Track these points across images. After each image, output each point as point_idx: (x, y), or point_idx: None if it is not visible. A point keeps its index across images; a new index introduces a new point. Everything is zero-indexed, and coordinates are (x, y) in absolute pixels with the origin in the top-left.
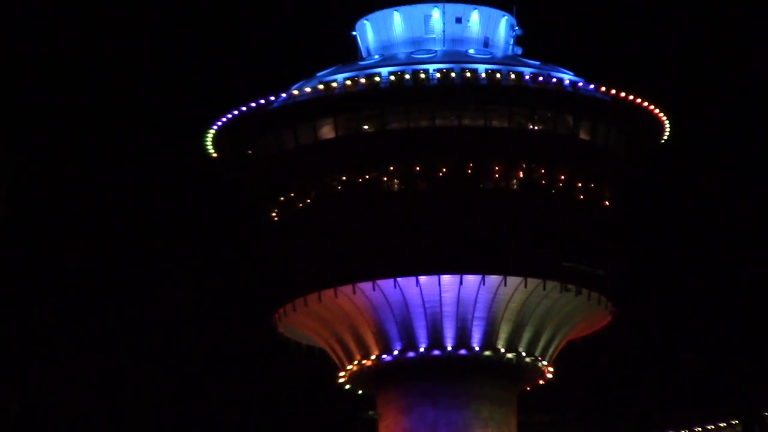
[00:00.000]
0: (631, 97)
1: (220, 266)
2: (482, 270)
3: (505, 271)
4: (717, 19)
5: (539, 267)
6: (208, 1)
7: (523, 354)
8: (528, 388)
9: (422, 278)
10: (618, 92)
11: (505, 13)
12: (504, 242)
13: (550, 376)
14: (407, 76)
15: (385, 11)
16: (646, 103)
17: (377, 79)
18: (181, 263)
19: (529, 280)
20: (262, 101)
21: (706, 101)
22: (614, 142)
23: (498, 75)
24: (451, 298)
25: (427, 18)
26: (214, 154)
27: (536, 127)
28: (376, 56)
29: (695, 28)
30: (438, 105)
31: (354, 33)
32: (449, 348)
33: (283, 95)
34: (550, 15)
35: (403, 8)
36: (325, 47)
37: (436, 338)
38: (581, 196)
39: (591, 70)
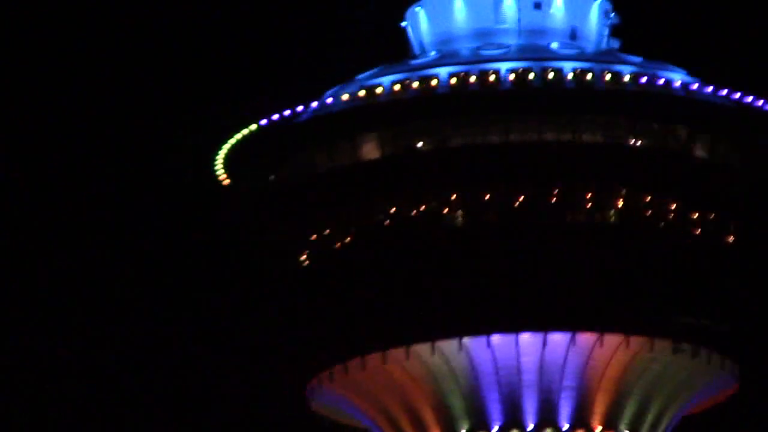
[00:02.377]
0: (762, 102)
1: (232, 324)
2: (572, 326)
3: (601, 327)
4: None
5: (645, 322)
6: None
7: None
8: None
9: (494, 338)
10: (744, 96)
11: None
12: (599, 290)
13: None
14: (473, 79)
15: None
16: None
17: (434, 82)
18: (182, 315)
19: (632, 338)
20: (288, 112)
21: None
22: (740, 161)
23: (589, 76)
24: (533, 363)
25: (498, 3)
26: (226, 180)
27: (639, 143)
28: (433, 53)
29: None
30: (513, 115)
31: (404, 24)
32: (530, 427)
33: (315, 105)
34: None
35: None
36: (367, 43)
37: (513, 415)
38: (698, 231)
39: (707, 68)
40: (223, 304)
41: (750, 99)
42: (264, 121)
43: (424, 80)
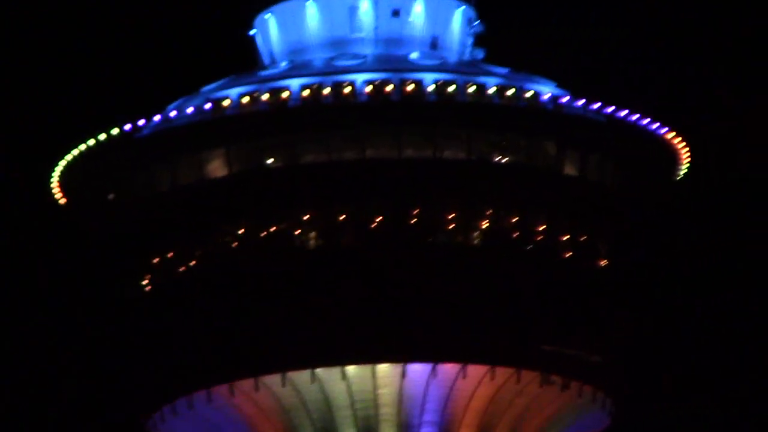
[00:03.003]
0: (636, 118)
1: (69, 351)
2: (433, 356)
3: (463, 357)
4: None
5: (510, 351)
6: None
7: None
8: None
9: (350, 368)
10: (616, 110)
11: (461, 3)
12: (462, 318)
13: None
14: (326, 91)
15: (295, 1)
16: (656, 125)
17: (285, 95)
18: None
19: (497, 369)
20: (128, 126)
21: (730, 121)
22: (612, 178)
23: (451, 88)
24: (391, 396)
25: (353, 10)
26: (62, 199)
27: (505, 160)
28: (284, 63)
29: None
30: (369, 130)
31: (253, 32)
32: None
33: (157, 118)
34: (522, 6)
35: None
36: (214, 52)
37: None
38: (568, 253)
39: (578, 80)
40: (61, 330)
41: (623, 113)
42: (102, 136)
43: (275, 92)
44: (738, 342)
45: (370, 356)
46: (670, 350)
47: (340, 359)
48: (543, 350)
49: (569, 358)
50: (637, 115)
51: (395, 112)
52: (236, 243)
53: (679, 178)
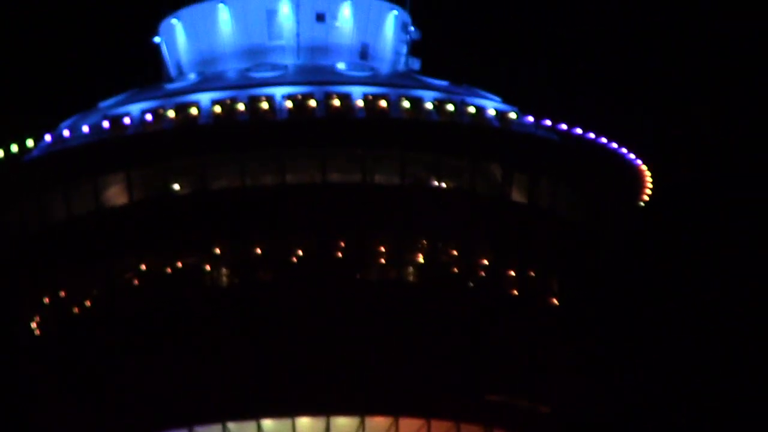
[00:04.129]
0: (593, 136)
1: None
2: (360, 408)
3: (395, 409)
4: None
5: (448, 402)
6: None
7: None
8: None
9: (266, 422)
10: (571, 128)
11: (394, 6)
12: (394, 364)
13: None
14: (241, 107)
15: (205, 4)
16: (616, 145)
17: (194, 111)
18: None
19: (434, 422)
20: (14, 148)
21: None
22: (565, 205)
23: (383, 103)
24: None
25: (272, 14)
26: None
27: (443, 185)
28: (192, 75)
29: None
30: (290, 151)
31: (157, 39)
32: None
33: (48, 138)
34: (462, 10)
35: None
36: (113, 61)
37: None
38: (514, 291)
39: (526, 94)
40: None
41: (578, 132)
42: None
43: (182, 109)
44: (704, 391)
45: (288, 408)
46: (630, 398)
47: (255, 412)
48: (486, 401)
49: (515, 410)
50: (594, 134)
51: (319, 131)
52: (137, 280)
53: (641, 203)
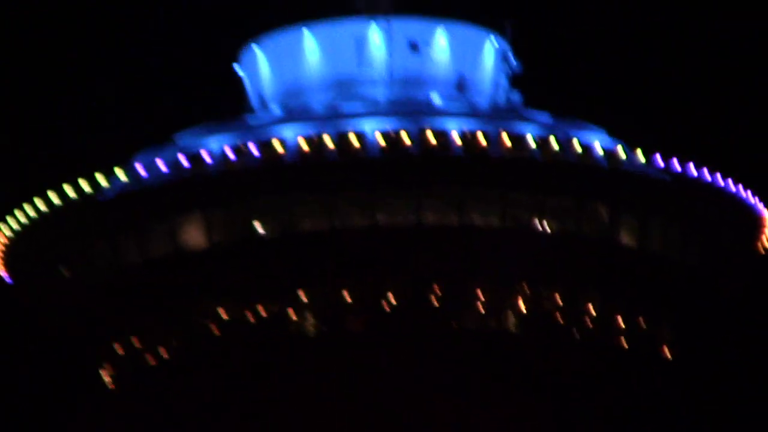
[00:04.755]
0: (707, 175)
1: None
2: None
3: None
4: None
5: None
6: None
7: None
8: None
9: None
10: (684, 166)
11: (493, 34)
12: (494, 422)
13: None
14: (329, 143)
15: (290, 31)
16: (731, 185)
17: (279, 147)
18: None
19: None
20: (85, 186)
21: None
22: (678, 250)
23: (482, 139)
24: None
25: (361, 42)
26: (7, 276)
27: (546, 227)
28: (276, 108)
29: None
30: (382, 191)
31: (238, 67)
32: None
33: (121, 176)
34: (566, 39)
35: (320, 26)
36: (190, 91)
37: None
38: (623, 342)
39: (634, 129)
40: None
41: (692, 170)
42: (50, 198)
43: (266, 144)
44: None
45: None
46: None
47: None
48: None
49: None
50: (709, 171)
51: (414, 170)
52: (217, 329)
53: (761, 249)
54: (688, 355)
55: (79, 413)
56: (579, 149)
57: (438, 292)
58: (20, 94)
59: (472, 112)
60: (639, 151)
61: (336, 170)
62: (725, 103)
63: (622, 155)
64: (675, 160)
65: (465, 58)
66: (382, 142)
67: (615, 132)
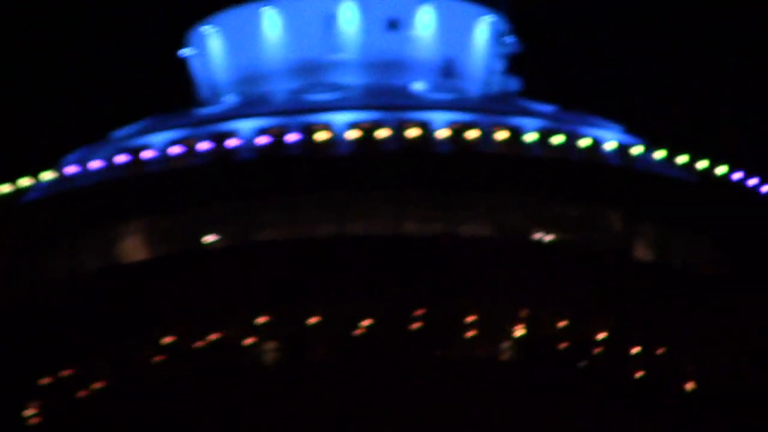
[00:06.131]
0: (742, 176)
1: None
2: None
3: None
4: None
5: None
6: None
7: None
8: None
9: None
10: (713, 166)
11: (486, 11)
12: None
13: None
14: (293, 137)
15: (247, 8)
16: (766, 188)
17: (233, 142)
18: None
19: None
20: (6, 188)
21: None
22: (705, 265)
23: (472, 133)
24: None
25: (331, 21)
26: None
27: (548, 238)
28: (232, 97)
29: None
30: (354, 194)
31: (186, 52)
32: None
33: (48, 176)
34: (573, 17)
35: (282, 1)
36: (130, 80)
37: None
38: (639, 372)
39: (652, 123)
40: None
41: (722, 171)
42: None
43: (219, 139)
44: None
45: None
46: None
47: None
48: None
49: None
50: (742, 173)
51: (392, 169)
52: (160, 357)
53: None
54: (714, 389)
55: None
56: (586, 145)
57: (419, 314)
58: None
59: (461, 102)
60: (662, 152)
61: (300, 170)
62: (753, 102)
63: (638, 152)
64: (702, 160)
65: (453, 39)
66: (355, 137)
67: (634, 129)
